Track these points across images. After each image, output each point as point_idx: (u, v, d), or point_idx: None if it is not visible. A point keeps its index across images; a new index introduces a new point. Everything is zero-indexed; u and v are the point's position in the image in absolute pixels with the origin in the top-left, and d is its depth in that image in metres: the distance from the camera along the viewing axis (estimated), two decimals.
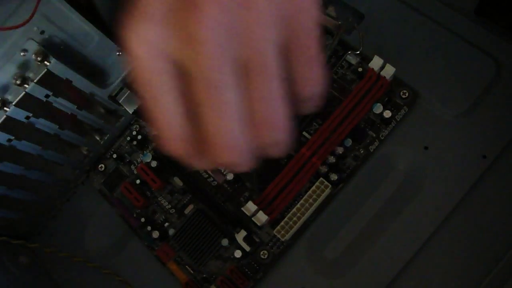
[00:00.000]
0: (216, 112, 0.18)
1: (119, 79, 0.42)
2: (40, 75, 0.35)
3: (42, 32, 0.36)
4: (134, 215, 0.43)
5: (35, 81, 0.35)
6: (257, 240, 0.39)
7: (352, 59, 0.41)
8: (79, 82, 0.38)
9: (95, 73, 0.41)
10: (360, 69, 0.40)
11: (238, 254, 0.38)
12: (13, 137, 0.37)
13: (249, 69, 0.18)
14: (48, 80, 0.36)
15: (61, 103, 0.38)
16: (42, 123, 0.38)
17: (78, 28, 0.38)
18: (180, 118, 0.19)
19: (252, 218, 0.37)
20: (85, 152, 0.45)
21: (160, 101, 0.19)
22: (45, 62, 0.35)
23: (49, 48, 0.35)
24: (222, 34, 0.17)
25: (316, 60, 0.20)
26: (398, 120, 0.39)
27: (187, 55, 0.18)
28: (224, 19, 0.17)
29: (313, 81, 0.20)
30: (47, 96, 0.37)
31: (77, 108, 0.40)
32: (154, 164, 0.43)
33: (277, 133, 0.20)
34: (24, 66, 0.35)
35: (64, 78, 0.37)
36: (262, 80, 0.18)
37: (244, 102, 0.18)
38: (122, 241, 0.44)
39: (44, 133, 0.39)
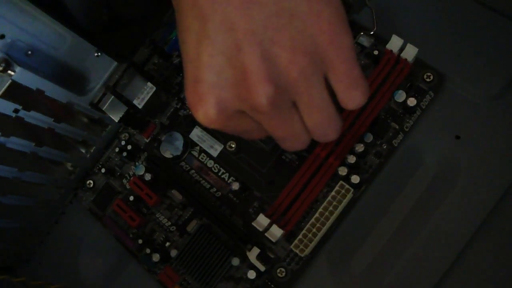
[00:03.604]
0: (284, 139, 0.25)
1: (100, 83, 0.37)
2: (5, 87, 0.30)
3: (2, 36, 0.31)
4: (130, 236, 0.39)
5: None
6: (272, 256, 0.34)
7: (365, 41, 0.36)
8: (53, 91, 0.34)
9: (72, 79, 0.36)
10: (375, 52, 0.35)
11: (251, 275, 0.34)
12: None
13: (298, 103, 0.23)
14: (15, 92, 0.31)
15: (35, 117, 0.34)
16: (14, 142, 0.33)
17: (45, 28, 0.33)
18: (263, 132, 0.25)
19: (265, 234, 0.32)
20: (70, 168, 0.41)
21: (253, 133, 0.26)
22: (9, 72, 0.30)
23: (13, 55, 0.30)
24: (275, 98, 0.22)
25: (357, 81, 0.23)
26: (423, 107, 0.34)
27: (253, 114, 0.23)
28: (272, 88, 0.21)
29: (357, 99, 0.23)
30: (16, 110, 0.32)
31: (54, 121, 0.35)
32: (148, 177, 0.38)
33: (331, 133, 0.25)
34: None
35: (34, 89, 0.32)
36: (311, 112, 0.23)
37: (300, 123, 0.24)
38: (119, 265, 0.39)
39: (19, 153, 0.34)
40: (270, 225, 0.33)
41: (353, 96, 0.23)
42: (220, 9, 0.21)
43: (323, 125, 0.24)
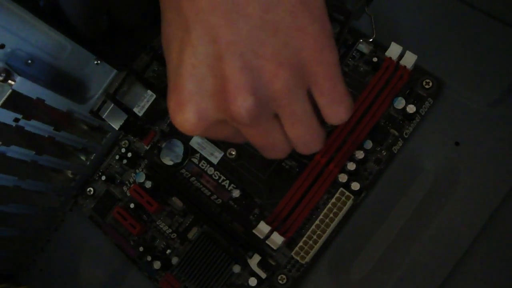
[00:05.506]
0: (264, 148, 0.25)
1: (100, 91, 0.37)
2: (5, 97, 0.30)
3: (2, 46, 0.31)
4: (131, 243, 0.39)
5: None
6: (273, 263, 0.34)
7: (364, 48, 0.36)
8: (53, 100, 0.33)
9: (72, 87, 0.36)
10: (375, 59, 0.35)
11: (253, 282, 0.34)
12: None
13: (281, 115, 0.23)
14: (16, 101, 0.31)
15: (35, 126, 0.33)
16: (14, 151, 0.33)
17: (45, 37, 0.33)
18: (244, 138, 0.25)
19: (266, 241, 0.32)
20: (70, 176, 0.41)
21: (234, 139, 0.25)
22: (9, 81, 0.30)
23: (13, 64, 0.30)
24: (255, 110, 0.21)
25: (341, 97, 0.23)
26: (422, 114, 0.34)
27: (233, 124, 0.23)
28: (253, 100, 0.21)
29: (340, 114, 0.23)
30: (16, 120, 0.32)
31: (54, 129, 0.35)
32: (148, 184, 0.38)
33: (313, 146, 0.25)
34: None
35: (35, 98, 0.32)
36: (294, 125, 0.23)
37: (281, 133, 0.24)
38: (120, 273, 0.39)
39: (19, 162, 0.34)
40: (271, 232, 0.33)
41: (337, 112, 0.23)
42: (204, 19, 0.20)
43: (305, 138, 0.24)
